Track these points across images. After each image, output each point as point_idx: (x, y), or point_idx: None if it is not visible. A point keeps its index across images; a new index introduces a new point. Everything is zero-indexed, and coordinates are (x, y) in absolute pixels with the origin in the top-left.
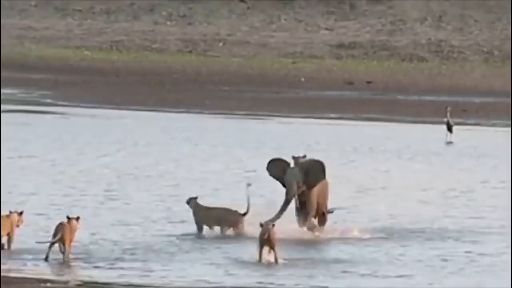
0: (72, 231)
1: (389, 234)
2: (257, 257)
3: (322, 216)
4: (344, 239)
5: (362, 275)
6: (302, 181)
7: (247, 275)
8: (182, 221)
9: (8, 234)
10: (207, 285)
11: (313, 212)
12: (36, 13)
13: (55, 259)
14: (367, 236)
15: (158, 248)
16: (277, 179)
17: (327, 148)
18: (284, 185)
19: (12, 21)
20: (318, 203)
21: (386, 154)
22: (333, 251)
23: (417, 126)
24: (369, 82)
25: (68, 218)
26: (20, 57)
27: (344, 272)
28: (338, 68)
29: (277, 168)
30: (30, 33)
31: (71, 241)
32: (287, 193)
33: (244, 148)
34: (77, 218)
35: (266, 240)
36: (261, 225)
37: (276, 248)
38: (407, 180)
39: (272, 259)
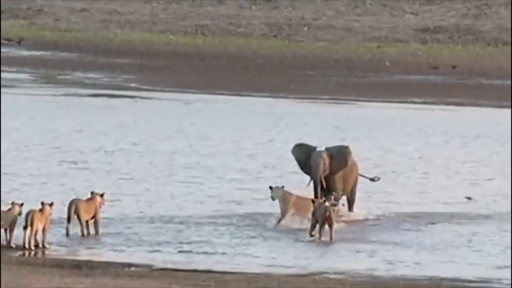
0: (44, 217)
1: None
2: (317, 235)
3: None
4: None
5: None
6: (328, 164)
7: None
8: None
9: (93, 217)
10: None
11: (340, 195)
12: None
13: (139, 244)
14: None
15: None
16: (299, 162)
17: (415, 132)
18: (303, 169)
19: (97, 6)
20: (345, 187)
21: (478, 139)
22: None
23: (502, 111)
24: (454, 67)
25: (42, 204)
26: (105, 41)
27: None
28: (423, 53)
29: (302, 152)
30: (115, 17)
31: (44, 227)
32: (313, 175)
33: (330, 132)
34: (51, 204)
35: (328, 218)
36: (313, 201)
37: (333, 227)
38: None
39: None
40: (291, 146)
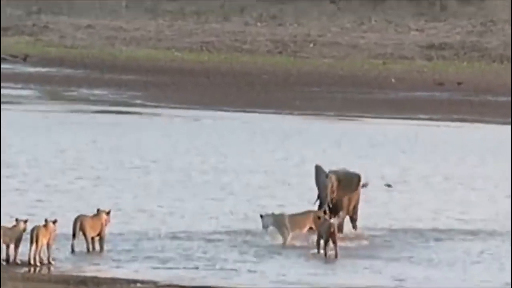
0: (49, 233)
1: None
2: (323, 251)
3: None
4: None
5: None
6: (336, 187)
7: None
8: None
9: (99, 234)
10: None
11: (344, 215)
12: (127, 14)
13: (145, 261)
14: None
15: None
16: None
17: (420, 149)
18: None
19: (103, 22)
20: (349, 206)
21: (487, 156)
22: None
23: (507, 128)
24: (459, 83)
25: (46, 220)
26: (111, 58)
27: None
28: (429, 69)
29: (316, 172)
30: (121, 34)
31: (48, 243)
32: (320, 196)
33: (335, 149)
34: (54, 221)
35: (331, 234)
36: (319, 218)
37: (338, 243)
38: None
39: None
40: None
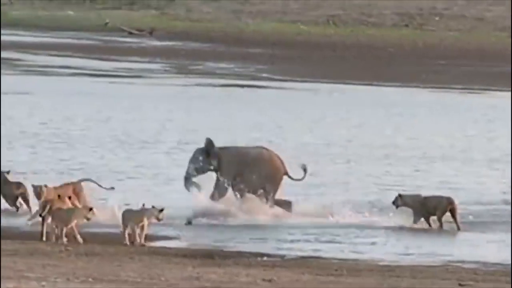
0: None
1: None
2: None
3: None
4: None
5: None
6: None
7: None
8: None
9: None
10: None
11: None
12: None
13: (270, 233)
14: None
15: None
16: None
17: None
18: None
19: None
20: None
21: None
22: None
23: None
24: None
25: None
26: (237, 31)
27: None
28: None
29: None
30: (247, 7)
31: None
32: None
33: (460, 123)
34: (161, 210)
35: (451, 210)
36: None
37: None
38: None
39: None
40: None
